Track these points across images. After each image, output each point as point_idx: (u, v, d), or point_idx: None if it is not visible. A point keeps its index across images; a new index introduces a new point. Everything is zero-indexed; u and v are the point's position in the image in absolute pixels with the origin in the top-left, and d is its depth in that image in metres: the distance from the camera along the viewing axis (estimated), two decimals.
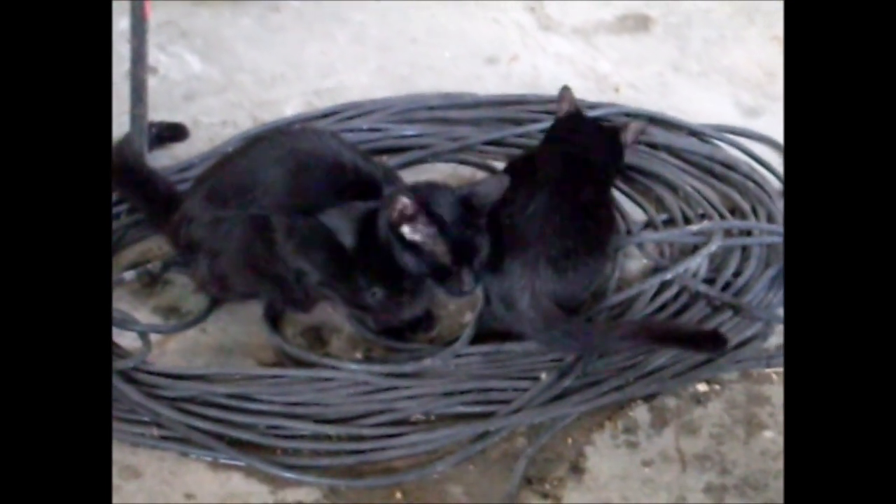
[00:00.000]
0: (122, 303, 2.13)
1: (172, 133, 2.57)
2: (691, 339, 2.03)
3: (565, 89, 2.26)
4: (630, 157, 2.42)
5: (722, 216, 2.34)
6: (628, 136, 2.22)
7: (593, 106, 2.63)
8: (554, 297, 2.00)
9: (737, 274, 2.22)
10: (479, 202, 1.93)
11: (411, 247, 1.89)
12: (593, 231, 2.07)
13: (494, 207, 1.95)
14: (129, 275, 2.20)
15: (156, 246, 2.28)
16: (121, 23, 2.33)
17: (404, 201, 1.86)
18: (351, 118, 2.62)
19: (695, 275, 2.19)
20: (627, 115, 2.62)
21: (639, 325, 2.06)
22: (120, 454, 1.88)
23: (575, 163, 2.12)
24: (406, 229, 1.88)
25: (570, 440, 1.93)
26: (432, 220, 1.88)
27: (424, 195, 1.90)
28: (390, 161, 2.45)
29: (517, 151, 2.47)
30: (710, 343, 2.00)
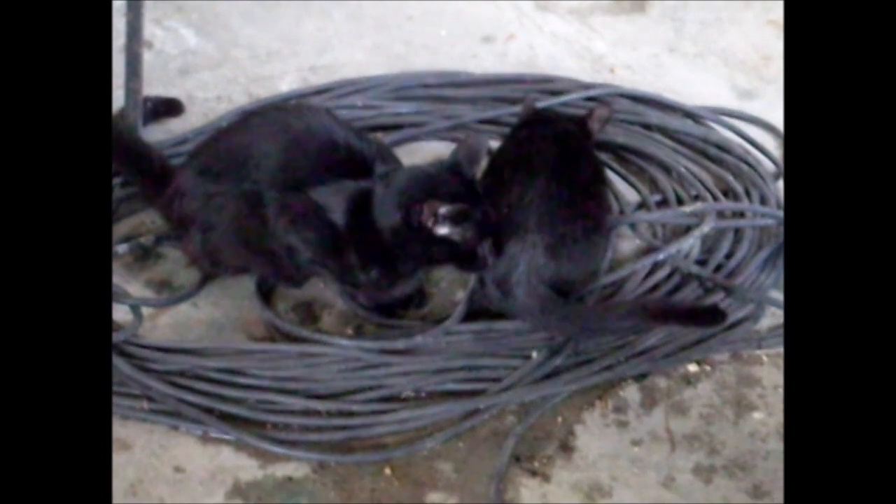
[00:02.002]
0: (114, 276, 2.13)
1: (167, 108, 2.57)
2: (690, 314, 2.01)
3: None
4: (625, 138, 2.43)
5: (715, 198, 2.34)
6: (594, 125, 2.20)
7: (588, 86, 2.64)
8: (551, 282, 1.99)
9: (729, 256, 2.22)
10: (467, 169, 1.93)
11: (440, 241, 1.90)
12: (592, 213, 2.05)
13: (490, 195, 1.95)
14: (121, 248, 2.21)
15: (148, 220, 2.28)
16: None
17: (439, 206, 1.86)
18: (346, 95, 2.61)
19: (687, 256, 2.19)
20: (622, 96, 2.63)
21: (636, 305, 2.05)
22: None
23: (569, 143, 2.12)
24: (437, 227, 1.88)
25: (559, 419, 1.94)
26: (464, 214, 1.88)
27: (450, 191, 1.89)
28: (385, 139, 2.45)
29: None
30: (709, 317, 1.98)
